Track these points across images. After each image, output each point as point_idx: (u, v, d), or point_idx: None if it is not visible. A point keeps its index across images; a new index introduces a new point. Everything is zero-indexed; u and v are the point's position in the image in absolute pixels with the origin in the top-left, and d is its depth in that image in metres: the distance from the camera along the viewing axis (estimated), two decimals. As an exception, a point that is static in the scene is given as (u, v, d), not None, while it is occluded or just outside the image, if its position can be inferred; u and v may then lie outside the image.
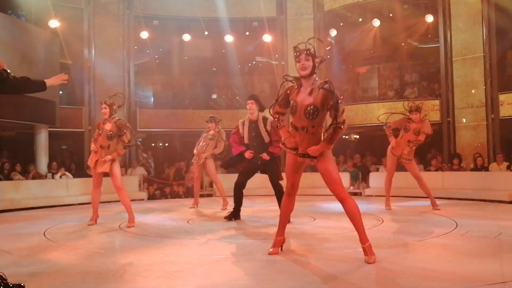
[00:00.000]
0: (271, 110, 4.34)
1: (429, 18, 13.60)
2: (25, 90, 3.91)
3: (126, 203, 6.72)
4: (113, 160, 6.65)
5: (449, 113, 13.04)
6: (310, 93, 4.02)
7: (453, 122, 12.94)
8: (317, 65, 4.06)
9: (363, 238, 3.98)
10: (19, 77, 3.63)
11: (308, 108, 3.97)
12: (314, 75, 4.08)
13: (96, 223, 6.84)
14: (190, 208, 8.86)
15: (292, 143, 4.16)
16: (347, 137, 15.98)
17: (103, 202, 10.54)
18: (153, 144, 16.45)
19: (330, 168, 4.09)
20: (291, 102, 4.09)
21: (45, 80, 3.81)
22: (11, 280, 3.36)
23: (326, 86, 3.95)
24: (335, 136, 3.99)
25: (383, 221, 6.62)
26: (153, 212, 8.56)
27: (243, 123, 7.02)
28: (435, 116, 13.10)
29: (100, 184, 6.96)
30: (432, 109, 13.20)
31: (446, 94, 13.13)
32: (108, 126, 6.62)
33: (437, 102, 13.30)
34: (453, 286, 3.27)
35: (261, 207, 8.93)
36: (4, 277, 3.34)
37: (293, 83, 4.19)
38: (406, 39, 14.83)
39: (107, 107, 6.63)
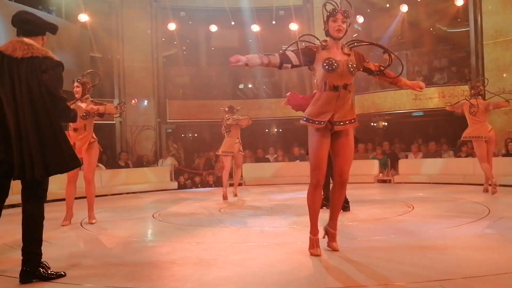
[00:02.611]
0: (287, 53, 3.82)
1: (459, 2, 13.27)
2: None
3: (91, 198, 6.17)
4: (90, 143, 6.01)
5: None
6: (342, 53, 3.85)
7: (485, 107, 12.67)
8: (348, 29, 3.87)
9: (335, 224, 4.00)
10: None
11: (350, 63, 3.81)
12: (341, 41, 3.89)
13: (70, 223, 6.08)
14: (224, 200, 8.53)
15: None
16: (375, 124, 15.84)
17: (132, 193, 10.84)
18: (182, 135, 16.67)
19: (352, 144, 3.93)
20: (327, 61, 3.76)
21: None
22: (52, 268, 3.52)
23: (356, 51, 3.93)
24: (394, 74, 4.15)
25: (413, 207, 6.60)
26: (185, 201, 8.73)
27: None
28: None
29: (76, 178, 6.08)
30: (462, 95, 12.96)
31: (477, 79, 12.86)
32: (82, 106, 5.91)
33: (467, 87, 13.00)
34: (487, 272, 3.25)
35: (290, 195, 9.00)
36: (47, 265, 3.50)
37: (317, 39, 3.99)
38: (434, 23, 14.55)
39: (80, 85, 6.03)
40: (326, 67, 3.76)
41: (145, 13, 14.65)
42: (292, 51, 3.82)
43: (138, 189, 11.18)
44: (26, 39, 3.42)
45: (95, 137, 6.14)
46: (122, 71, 14.36)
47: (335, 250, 3.90)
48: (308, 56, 3.84)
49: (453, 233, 4.82)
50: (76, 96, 6.03)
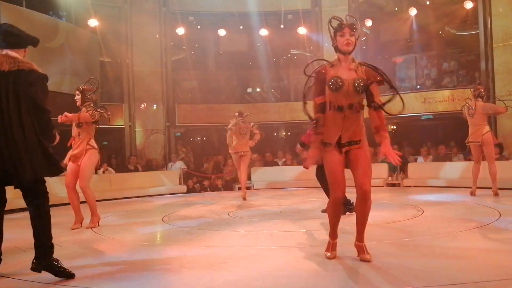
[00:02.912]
0: (306, 107, 3.86)
1: (468, 4, 13.24)
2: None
3: (90, 204, 6.22)
4: (87, 150, 6.06)
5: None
6: (351, 68, 3.72)
7: (494, 111, 12.58)
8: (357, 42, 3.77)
9: (362, 237, 3.83)
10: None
11: (357, 81, 3.65)
12: (352, 55, 3.80)
13: (81, 226, 6.20)
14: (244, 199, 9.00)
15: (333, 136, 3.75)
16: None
17: (141, 196, 10.89)
18: (191, 139, 16.73)
19: (368, 155, 3.83)
20: (332, 80, 3.68)
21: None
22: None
23: (368, 64, 3.75)
24: (383, 122, 3.71)
25: (423, 211, 6.56)
26: (194, 205, 8.75)
27: None
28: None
29: (73, 184, 6.12)
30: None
31: (487, 82, 12.76)
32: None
33: (477, 90, 12.95)
34: (498, 277, 3.23)
35: (299, 199, 8.99)
36: (60, 262, 3.59)
37: (326, 61, 3.87)
38: (443, 26, 14.51)
39: (79, 93, 6.18)
40: (331, 86, 3.68)
41: (154, 18, 14.75)
42: (311, 86, 3.84)
43: (147, 193, 11.24)
44: (10, 52, 3.59)
45: (92, 144, 6.15)
46: (131, 76, 14.46)
47: (368, 261, 3.73)
48: (323, 83, 3.75)
49: (464, 237, 4.78)
50: (77, 104, 6.20)
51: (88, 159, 6.08)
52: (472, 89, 8.37)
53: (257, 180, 12.33)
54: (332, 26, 3.77)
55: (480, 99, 8.11)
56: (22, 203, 3.77)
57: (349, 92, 3.67)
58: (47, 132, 3.65)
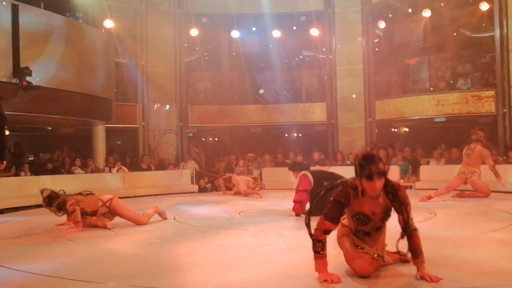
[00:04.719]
0: (312, 230, 3.42)
1: (484, 6, 13.11)
2: None
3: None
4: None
5: (505, 104, 12.57)
6: (376, 201, 3.40)
7: (509, 114, 12.46)
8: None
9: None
10: None
11: (384, 215, 3.45)
12: None
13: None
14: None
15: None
16: (396, 130, 15.72)
17: (154, 195, 10.99)
18: (203, 139, 16.82)
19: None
20: (357, 216, 3.42)
21: None
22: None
23: (391, 189, 3.35)
24: (419, 244, 3.35)
25: (435, 214, 6.53)
26: (205, 204, 8.81)
27: None
28: (490, 108, 12.69)
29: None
30: (486, 101, 12.79)
31: (502, 84, 12.65)
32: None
33: (492, 92, 12.83)
34: (510, 283, 3.22)
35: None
36: None
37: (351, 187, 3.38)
38: (458, 28, 14.36)
39: (47, 207, 6.06)
40: (357, 222, 3.45)
41: (168, 19, 14.87)
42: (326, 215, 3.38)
43: (159, 192, 11.33)
44: None
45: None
46: (146, 77, 14.61)
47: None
48: (341, 213, 3.42)
49: (476, 241, 4.75)
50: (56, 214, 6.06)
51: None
52: (472, 132, 8.49)
53: (268, 181, 12.35)
54: (360, 170, 3.30)
55: (480, 143, 8.26)
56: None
57: (377, 223, 3.48)
58: None
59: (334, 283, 3.25)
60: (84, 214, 6.01)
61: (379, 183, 3.26)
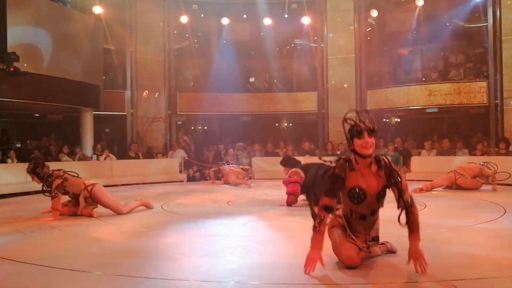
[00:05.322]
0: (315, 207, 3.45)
1: (477, -4, 13.04)
2: None
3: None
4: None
5: (496, 96, 12.55)
6: (371, 173, 3.37)
7: (501, 105, 12.44)
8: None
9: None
10: None
11: (380, 194, 3.40)
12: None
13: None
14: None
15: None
16: (387, 120, 15.68)
17: (142, 184, 10.87)
18: (192, 127, 16.67)
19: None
20: (352, 190, 3.38)
21: None
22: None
23: (385, 163, 3.36)
24: (416, 220, 3.32)
25: (426, 205, 6.49)
26: (194, 193, 8.72)
27: None
28: (482, 99, 12.68)
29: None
30: (478, 91, 12.76)
31: (494, 75, 12.63)
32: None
33: (484, 84, 12.81)
34: (502, 274, 3.17)
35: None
36: None
37: (345, 161, 3.39)
38: (451, 18, 14.29)
39: (31, 175, 6.15)
40: (352, 199, 3.40)
41: (158, 6, 14.63)
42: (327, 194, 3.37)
43: (147, 180, 11.21)
44: None
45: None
46: (134, 63, 14.40)
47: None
48: (340, 187, 3.41)
49: (467, 232, 4.73)
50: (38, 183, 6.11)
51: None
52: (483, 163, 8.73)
53: (258, 170, 12.26)
54: (347, 131, 3.35)
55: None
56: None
57: (372, 202, 3.43)
58: None
59: (310, 265, 3.21)
60: (65, 194, 5.97)
61: (370, 141, 3.26)
